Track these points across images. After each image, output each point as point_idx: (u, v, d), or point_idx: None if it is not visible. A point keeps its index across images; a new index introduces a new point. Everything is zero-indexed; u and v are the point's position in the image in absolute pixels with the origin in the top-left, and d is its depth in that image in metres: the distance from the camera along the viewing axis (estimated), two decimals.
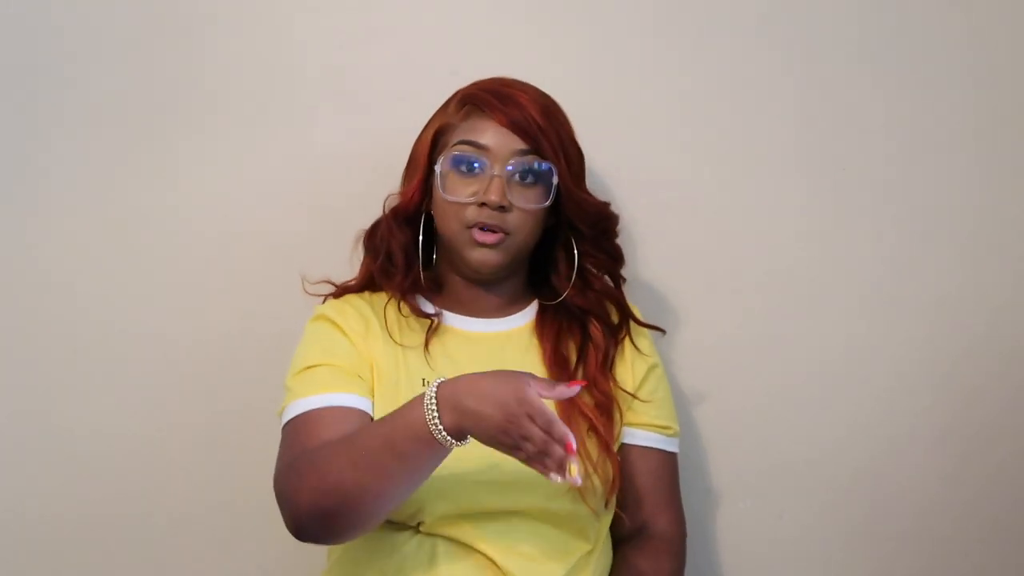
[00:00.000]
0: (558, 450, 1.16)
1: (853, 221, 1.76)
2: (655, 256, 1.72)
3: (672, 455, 1.53)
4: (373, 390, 1.43)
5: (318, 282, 1.56)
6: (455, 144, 1.44)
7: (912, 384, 1.78)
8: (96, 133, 1.71)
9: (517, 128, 1.42)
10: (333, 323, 1.47)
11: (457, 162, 1.43)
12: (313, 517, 1.29)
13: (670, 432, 1.52)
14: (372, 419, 1.39)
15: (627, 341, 1.53)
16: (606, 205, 1.52)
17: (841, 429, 1.78)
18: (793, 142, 1.75)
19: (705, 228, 1.75)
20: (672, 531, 1.53)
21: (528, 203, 1.43)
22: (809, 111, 1.75)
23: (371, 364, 1.44)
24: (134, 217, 1.72)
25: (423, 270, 1.50)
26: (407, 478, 1.26)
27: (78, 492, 1.74)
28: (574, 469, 1.16)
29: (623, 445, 1.50)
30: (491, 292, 1.50)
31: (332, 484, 1.27)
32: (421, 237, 1.49)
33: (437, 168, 1.44)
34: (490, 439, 1.20)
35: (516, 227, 1.44)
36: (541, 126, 1.42)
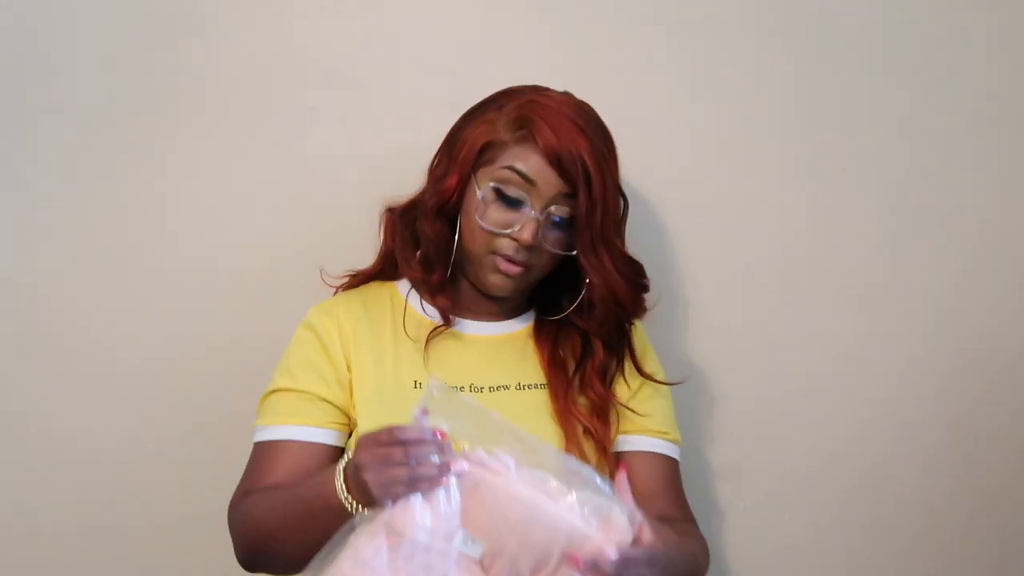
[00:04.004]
0: (425, 449, 1.19)
1: (857, 222, 1.76)
2: (656, 257, 1.72)
3: (673, 460, 1.52)
4: (350, 397, 1.45)
5: (342, 275, 1.56)
6: (502, 167, 1.40)
7: (913, 383, 1.78)
8: (91, 136, 1.71)
9: (565, 173, 1.39)
10: (315, 333, 1.48)
11: (500, 194, 1.41)
12: (248, 558, 1.40)
13: (668, 437, 1.51)
14: (330, 450, 1.43)
15: (627, 362, 1.52)
16: (621, 283, 1.45)
17: (843, 428, 1.78)
18: (795, 143, 1.75)
19: (708, 230, 1.75)
20: (686, 521, 1.52)
21: (556, 247, 1.43)
22: (811, 111, 1.75)
23: (348, 377, 1.46)
24: (131, 220, 1.72)
25: None
26: (323, 534, 1.27)
27: (66, 497, 1.75)
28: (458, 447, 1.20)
29: (624, 453, 1.49)
30: (496, 300, 1.51)
31: (262, 536, 1.36)
32: (457, 236, 1.47)
33: (479, 193, 1.42)
34: (376, 488, 1.21)
35: (538, 263, 1.44)
36: (590, 177, 1.39)
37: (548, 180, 1.39)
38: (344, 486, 1.24)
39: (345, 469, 1.25)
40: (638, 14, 1.73)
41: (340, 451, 1.44)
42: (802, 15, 1.74)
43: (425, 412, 1.22)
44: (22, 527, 1.74)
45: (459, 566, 1.21)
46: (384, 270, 1.55)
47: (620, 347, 1.51)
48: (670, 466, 1.51)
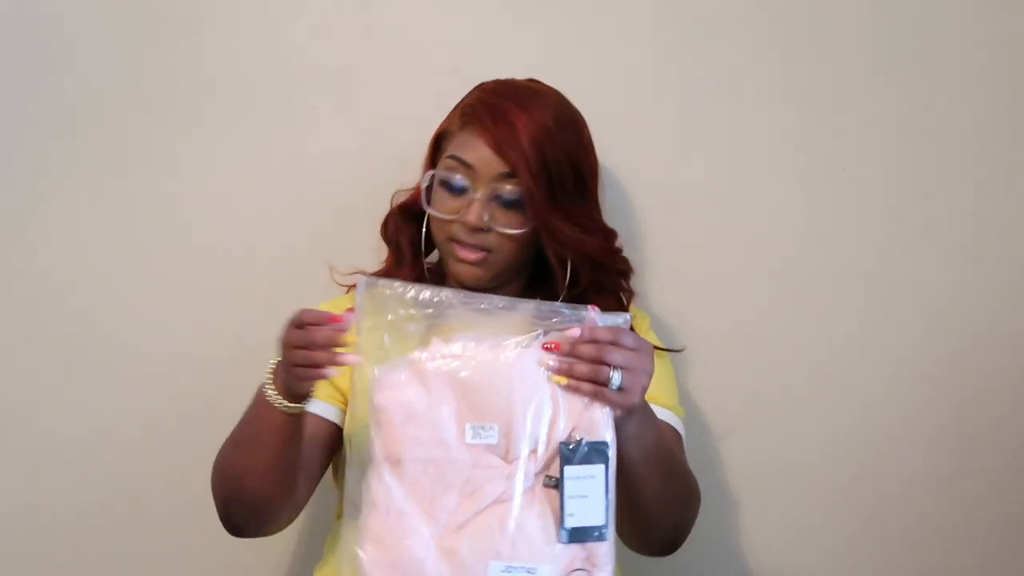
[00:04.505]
0: (319, 334, 1.18)
1: (854, 221, 1.76)
2: (653, 257, 1.72)
3: (670, 427, 1.47)
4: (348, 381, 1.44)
5: (351, 272, 1.57)
6: (446, 157, 1.45)
7: (913, 383, 1.77)
8: (95, 134, 1.72)
9: (501, 152, 1.41)
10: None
11: (442, 179, 1.44)
12: (225, 512, 1.40)
13: (660, 402, 1.46)
14: (325, 423, 1.43)
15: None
16: (591, 240, 1.47)
17: (842, 428, 1.77)
18: (794, 142, 1.75)
19: (705, 229, 1.75)
20: None
21: (507, 227, 1.44)
22: (809, 111, 1.75)
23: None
24: (133, 218, 1.73)
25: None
26: (277, 450, 1.31)
27: (73, 493, 1.75)
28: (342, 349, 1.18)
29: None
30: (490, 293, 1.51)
31: (226, 471, 1.37)
32: (424, 232, 1.49)
33: (425, 182, 1.46)
34: (284, 375, 1.23)
35: (497, 246, 1.45)
36: (526, 153, 1.40)
37: (486, 161, 1.42)
38: (272, 378, 1.26)
39: (274, 375, 1.27)
40: (639, 14, 1.73)
41: (337, 429, 1.44)
42: (803, 14, 1.74)
43: (352, 310, 1.20)
44: (26, 525, 1.75)
45: (477, 466, 1.18)
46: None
47: None
48: (667, 431, 1.46)
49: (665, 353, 1.54)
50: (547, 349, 1.19)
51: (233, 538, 1.42)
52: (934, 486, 1.79)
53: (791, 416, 1.77)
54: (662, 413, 1.45)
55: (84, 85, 1.72)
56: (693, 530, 1.51)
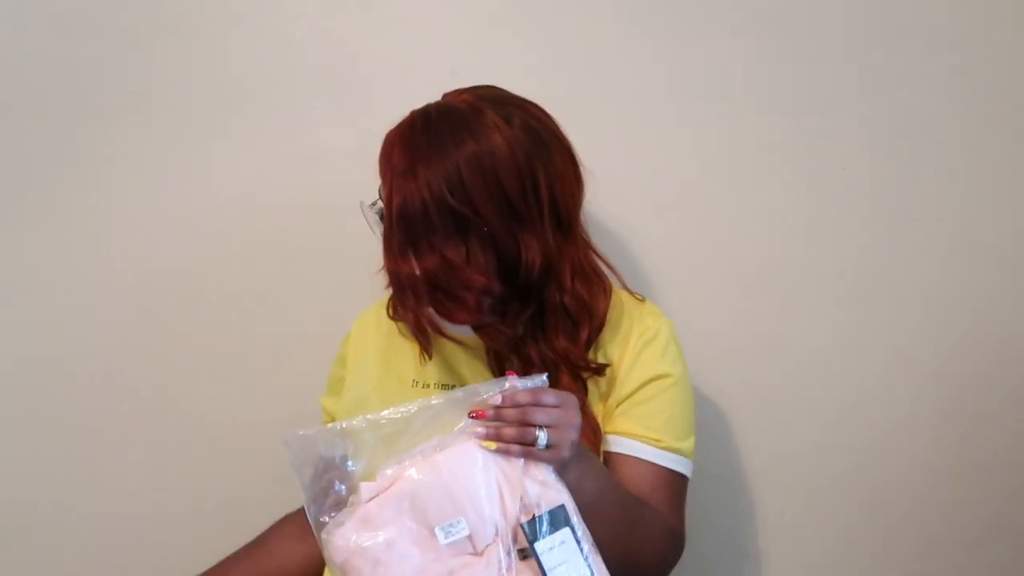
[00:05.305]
0: None
1: (853, 220, 1.76)
2: (649, 255, 1.73)
3: (665, 471, 1.42)
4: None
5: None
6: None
7: (908, 379, 1.78)
8: (89, 134, 1.73)
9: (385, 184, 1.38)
10: (344, 344, 1.56)
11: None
12: None
13: (661, 445, 1.41)
14: None
15: (641, 349, 1.46)
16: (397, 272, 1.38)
17: (841, 425, 1.79)
18: (792, 142, 1.76)
19: (700, 227, 1.76)
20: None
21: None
22: (808, 111, 1.75)
23: (358, 384, 1.51)
24: (127, 218, 1.74)
25: None
26: None
27: (86, 492, 1.76)
28: None
29: (608, 454, 1.43)
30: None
31: None
32: None
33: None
34: None
35: None
36: (390, 188, 1.36)
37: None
38: None
39: None
40: (636, 15, 1.74)
41: None
42: (802, 13, 1.74)
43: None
44: (36, 519, 1.76)
45: (454, 571, 1.18)
46: None
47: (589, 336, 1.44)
48: (662, 476, 1.42)
49: (676, 381, 1.46)
50: (472, 417, 1.21)
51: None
52: (933, 483, 1.79)
53: (789, 414, 1.78)
54: (658, 456, 1.42)
55: (80, 84, 1.72)
56: (692, 528, 1.53)
